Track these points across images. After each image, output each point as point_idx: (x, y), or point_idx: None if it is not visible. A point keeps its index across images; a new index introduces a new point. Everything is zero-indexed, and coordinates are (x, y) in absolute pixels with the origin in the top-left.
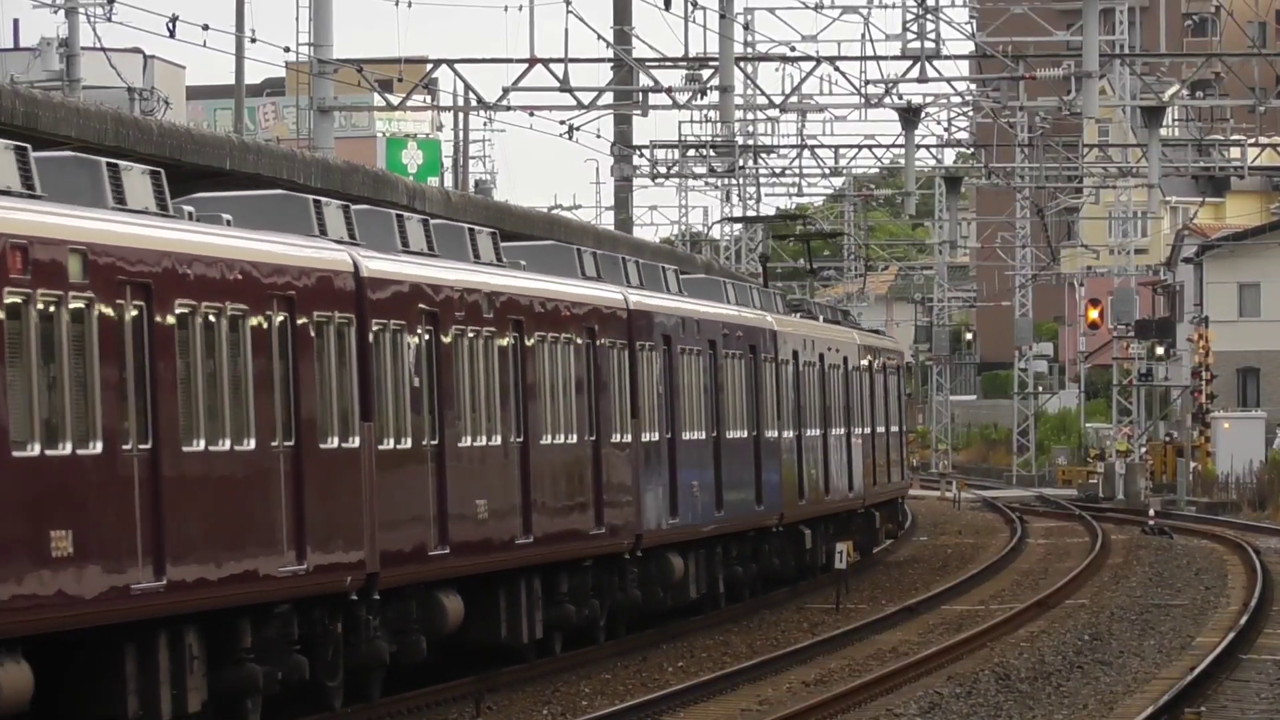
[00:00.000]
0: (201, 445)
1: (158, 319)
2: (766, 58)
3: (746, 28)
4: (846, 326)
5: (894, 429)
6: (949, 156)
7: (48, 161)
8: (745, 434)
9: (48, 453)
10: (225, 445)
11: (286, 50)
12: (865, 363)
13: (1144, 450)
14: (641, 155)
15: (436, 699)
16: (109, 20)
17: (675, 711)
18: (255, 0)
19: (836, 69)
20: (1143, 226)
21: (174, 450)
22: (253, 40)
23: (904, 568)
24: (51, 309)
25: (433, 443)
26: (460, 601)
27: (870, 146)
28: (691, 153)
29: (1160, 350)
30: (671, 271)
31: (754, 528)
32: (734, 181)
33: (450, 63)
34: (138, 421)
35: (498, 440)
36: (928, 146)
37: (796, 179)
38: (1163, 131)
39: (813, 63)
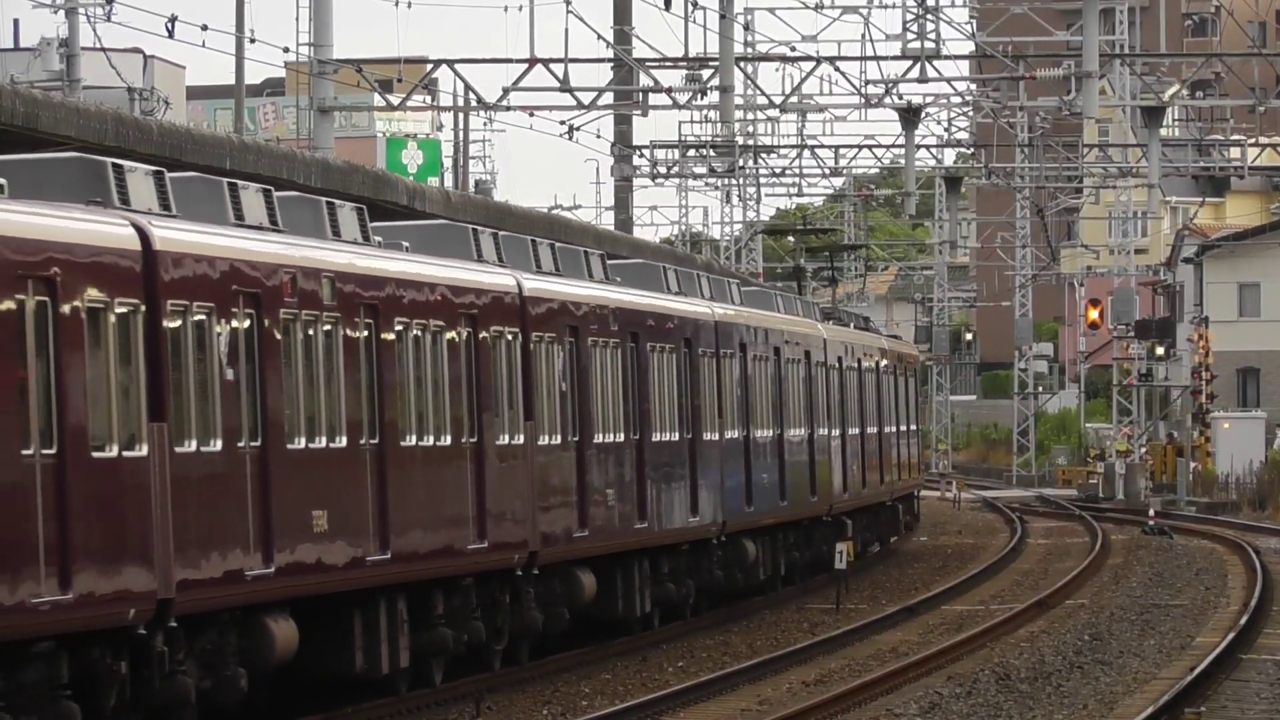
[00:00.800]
0: (414, 440)
1: (383, 335)
2: (766, 58)
3: (746, 28)
4: (869, 332)
5: (912, 427)
6: (949, 156)
7: (285, 201)
8: (802, 432)
9: (310, 445)
10: (430, 440)
11: (286, 50)
12: (889, 365)
13: (1144, 450)
14: (641, 155)
15: (437, 699)
16: (109, 20)
17: (675, 711)
18: (255, 0)
19: (836, 69)
20: (1143, 226)
21: (395, 445)
22: (252, 40)
23: (904, 568)
24: (310, 327)
25: (575, 439)
26: (594, 578)
27: (870, 146)
28: (691, 153)
29: (1160, 350)
30: (735, 285)
31: (808, 517)
32: (734, 181)
33: (450, 63)
34: (369, 420)
35: (663, 436)
36: (928, 146)
37: (796, 179)
38: (1163, 131)
39: (813, 63)
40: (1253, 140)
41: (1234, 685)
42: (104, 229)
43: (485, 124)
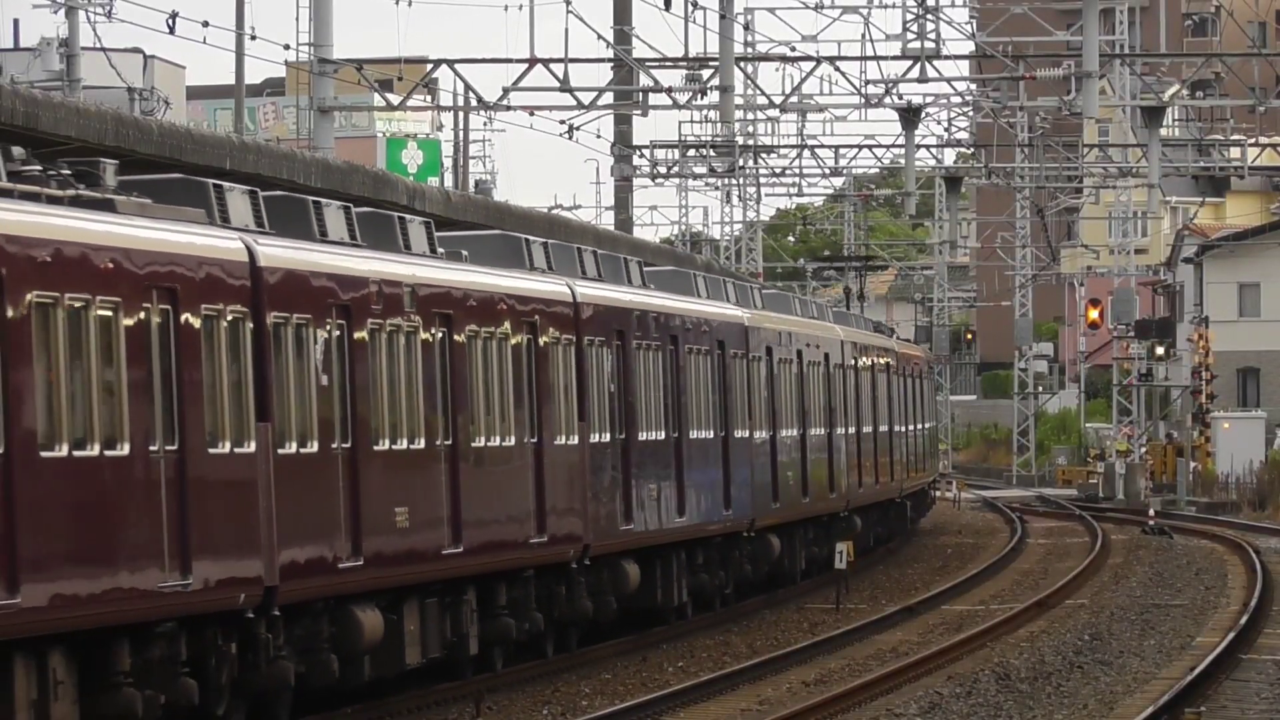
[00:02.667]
0: (483, 441)
1: (455, 338)
2: (766, 58)
3: (746, 28)
4: (879, 334)
5: (922, 425)
6: (949, 156)
7: (362, 216)
8: (822, 431)
9: (393, 446)
10: (497, 441)
11: (286, 49)
12: (898, 366)
13: (1144, 450)
14: (641, 155)
15: (436, 699)
16: (109, 20)
17: (675, 711)
18: None
19: (836, 69)
20: (1143, 226)
21: (467, 443)
22: (253, 38)
23: (904, 568)
24: (393, 336)
25: (622, 438)
26: (639, 569)
27: (870, 146)
28: (691, 153)
29: (1160, 350)
30: (757, 289)
31: (827, 512)
32: (734, 181)
33: (450, 63)
34: (444, 421)
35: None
36: (928, 146)
37: (796, 179)
38: (1163, 131)
39: (813, 63)
40: (1253, 140)
41: (1234, 685)
42: (218, 244)
43: (485, 124)
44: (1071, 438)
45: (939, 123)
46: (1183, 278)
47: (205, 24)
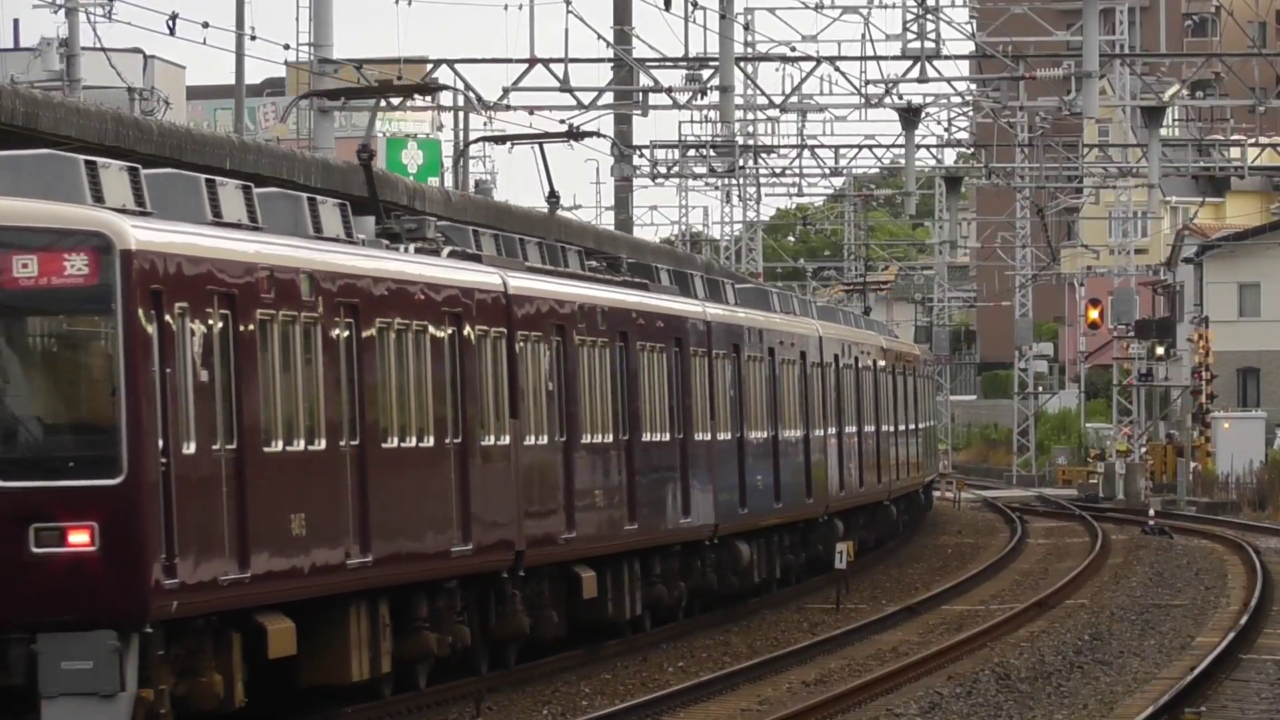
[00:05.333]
0: (648, 436)
1: (632, 351)
2: (766, 58)
3: (746, 28)
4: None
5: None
6: (949, 156)
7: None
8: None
9: (592, 440)
10: (655, 436)
11: (286, 48)
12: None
13: (1144, 450)
14: (641, 155)
15: (437, 699)
16: (109, 20)
17: (675, 711)
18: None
19: (836, 69)
20: (1143, 226)
21: (638, 438)
22: (253, 38)
23: (904, 568)
24: (590, 349)
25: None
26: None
27: (870, 146)
28: (691, 153)
29: (1160, 350)
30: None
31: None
32: (734, 181)
33: (450, 63)
34: (561, 420)
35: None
36: (928, 146)
37: (796, 179)
38: (1163, 131)
39: (813, 63)
40: (1253, 140)
41: (1234, 685)
42: (485, 279)
43: (485, 124)
44: (1071, 438)
45: (939, 123)
46: (1183, 278)
47: (205, 25)
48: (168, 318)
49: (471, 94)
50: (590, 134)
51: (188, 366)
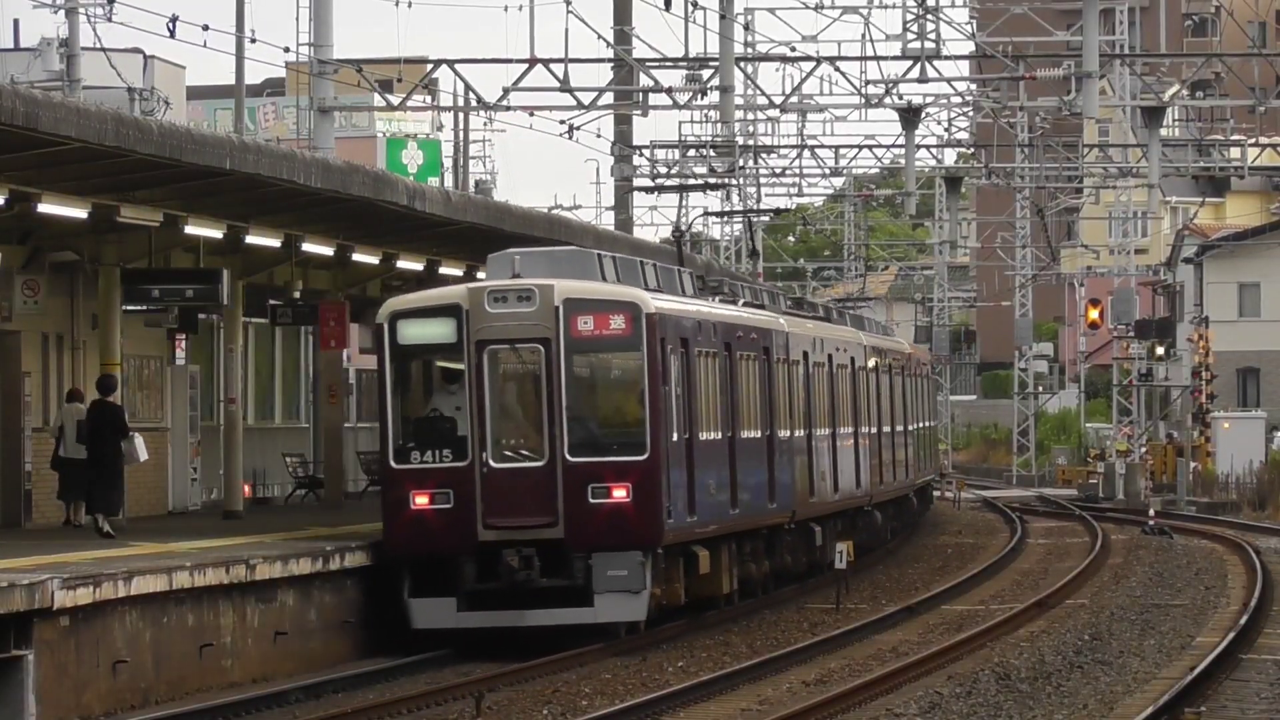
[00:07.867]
0: (745, 434)
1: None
2: (766, 58)
3: (746, 28)
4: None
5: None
6: (949, 156)
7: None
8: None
9: (739, 435)
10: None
11: (286, 50)
12: (917, 369)
13: (1144, 450)
14: (641, 155)
15: (437, 699)
16: (109, 20)
17: (675, 711)
18: (255, 0)
19: (836, 69)
20: (1143, 226)
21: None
22: (253, 40)
23: (904, 568)
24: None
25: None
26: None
27: (870, 146)
28: (691, 153)
29: (1160, 350)
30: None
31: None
32: (734, 181)
33: (450, 63)
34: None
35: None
36: (928, 146)
37: (796, 179)
38: (1163, 131)
39: (813, 63)
40: (1253, 140)
41: (1234, 685)
42: (776, 321)
43: (485, 124)
44: (1071, 438)
45: (939, 123)
46: (1183, 278)
47: (205, 27)
48: (668, 353)
49: (472, 94)
50: (722, 184)
51: (672, 384)
